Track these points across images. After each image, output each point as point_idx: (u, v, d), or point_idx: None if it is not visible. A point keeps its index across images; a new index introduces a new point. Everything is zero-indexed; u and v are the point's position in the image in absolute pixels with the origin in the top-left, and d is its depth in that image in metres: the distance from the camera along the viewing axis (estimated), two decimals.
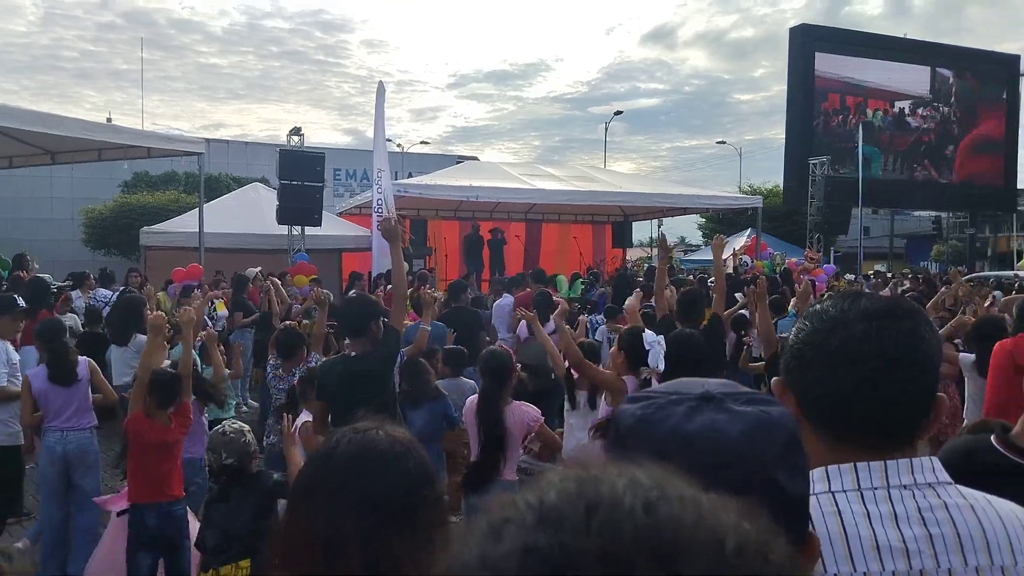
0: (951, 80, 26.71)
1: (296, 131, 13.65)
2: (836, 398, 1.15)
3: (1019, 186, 28.40)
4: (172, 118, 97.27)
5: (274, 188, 14.61)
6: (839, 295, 1.26)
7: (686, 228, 46.45)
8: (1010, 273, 17.93)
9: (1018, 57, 27.62)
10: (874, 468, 1.13)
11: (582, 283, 13.19)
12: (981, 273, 20.58)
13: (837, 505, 1.13)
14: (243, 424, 3.57)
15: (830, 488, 1.14)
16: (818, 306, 1.24)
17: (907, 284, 14.76)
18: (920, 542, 1.10)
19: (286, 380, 5.54)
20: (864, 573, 1.10)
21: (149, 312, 5.55)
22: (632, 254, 27.79)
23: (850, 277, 17.14)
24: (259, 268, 10.77)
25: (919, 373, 1.15)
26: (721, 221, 30.58)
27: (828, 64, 25.05)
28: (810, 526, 0.90)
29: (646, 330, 3.79)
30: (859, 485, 1.13)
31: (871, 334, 1.14)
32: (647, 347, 3.64)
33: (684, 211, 21.29)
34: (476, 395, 4.32)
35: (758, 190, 33.78)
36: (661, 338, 3.73)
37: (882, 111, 26.01)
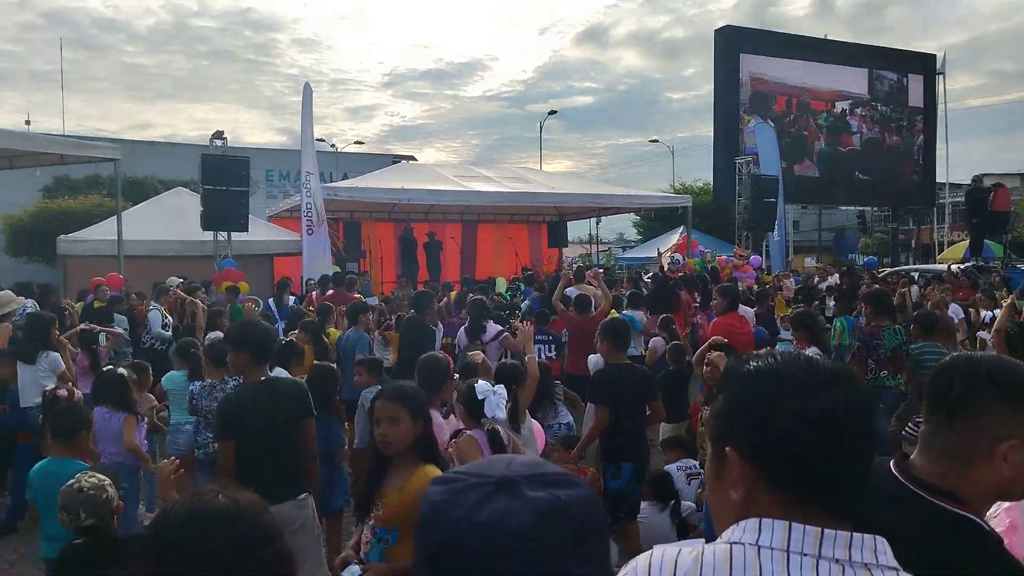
0: (883, 80, 27.69)
1: (219, 135, 13.29)
2: (808, 461, 1.08)
3: (938, 180, 29.33)
4: (97, 118, 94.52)
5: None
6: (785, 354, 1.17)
7: (623, 225, 47.06)
8: (932, 267, 18.35)
9: (935, 56, 28.69)
10: (809, 533, 1.05)
11: (508, 289, 13.18)
12: (903, 267, 21.31)
13: (760, 561, 1.05)
14: (102, 476, 3.14)
15: (757, 541, 1.06)
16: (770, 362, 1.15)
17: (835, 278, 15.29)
18: None
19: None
20: None
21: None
22: (570, 252, 28.00)
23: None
24: (181, 280, 10.40)
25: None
26: (655, 219, 31.09)
27: (768, 67, 25.68)
28: None
29: (479, 380, 3.66)
30: (788, 547, 1.05)
31: (842, 402, 1.09)
32: (480, 396, 3.52)
33: (617, 210, 21.55)
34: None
35: (689, 188, 34.37)
36: (500, 387, 3.63)
37: (825, 112, 26.84)
